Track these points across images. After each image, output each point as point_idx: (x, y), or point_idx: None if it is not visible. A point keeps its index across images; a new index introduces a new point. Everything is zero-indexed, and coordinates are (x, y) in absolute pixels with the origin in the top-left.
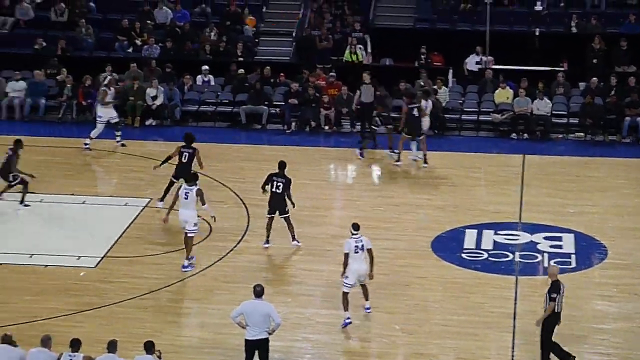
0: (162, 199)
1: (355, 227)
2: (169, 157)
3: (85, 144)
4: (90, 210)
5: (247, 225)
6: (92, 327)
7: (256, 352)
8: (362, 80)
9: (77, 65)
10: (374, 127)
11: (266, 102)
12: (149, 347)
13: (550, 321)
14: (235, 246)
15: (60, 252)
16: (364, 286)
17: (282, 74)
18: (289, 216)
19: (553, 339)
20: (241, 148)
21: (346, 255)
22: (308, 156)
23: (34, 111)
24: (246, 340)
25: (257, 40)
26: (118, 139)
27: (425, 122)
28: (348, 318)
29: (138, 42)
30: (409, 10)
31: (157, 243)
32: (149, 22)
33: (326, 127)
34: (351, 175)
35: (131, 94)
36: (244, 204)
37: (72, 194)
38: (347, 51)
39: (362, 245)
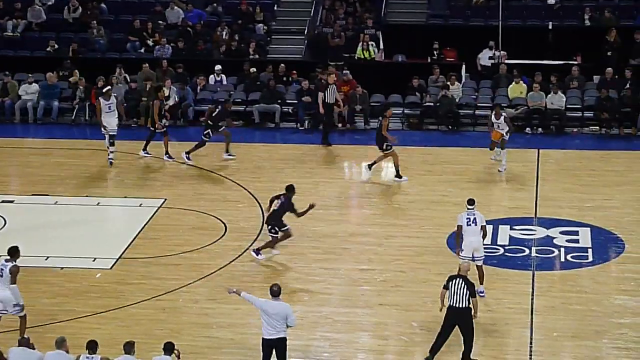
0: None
1: (470, 202)
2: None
3: (109, 159)
4: (105, 211)
5: (262, 225)
6: (110, 328)
7: (274, 351)
8: (328, 80)
9: (90, 67)
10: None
11: (279, 101)
12: (169, 348)
13: None
14: (250, 245)
15: (76, 254)
16: (479, 268)
17: (294, 71)
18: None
19: None
20: (255, 147)
21: (459, 228)
22: (322, 154)
23: (46, 114)
24: (263, 339)
25: (269, 38)
26: (110, 155)
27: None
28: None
29: (150, 42)
30: (422, 6)
31: (173, 244)
32: (160, 22)
33: (339, 125)
34: (365, 173)
35: (144, 95)
36: (259, 203)
37: (87, 196)
38: (359, 48)
39: (475, 219)
